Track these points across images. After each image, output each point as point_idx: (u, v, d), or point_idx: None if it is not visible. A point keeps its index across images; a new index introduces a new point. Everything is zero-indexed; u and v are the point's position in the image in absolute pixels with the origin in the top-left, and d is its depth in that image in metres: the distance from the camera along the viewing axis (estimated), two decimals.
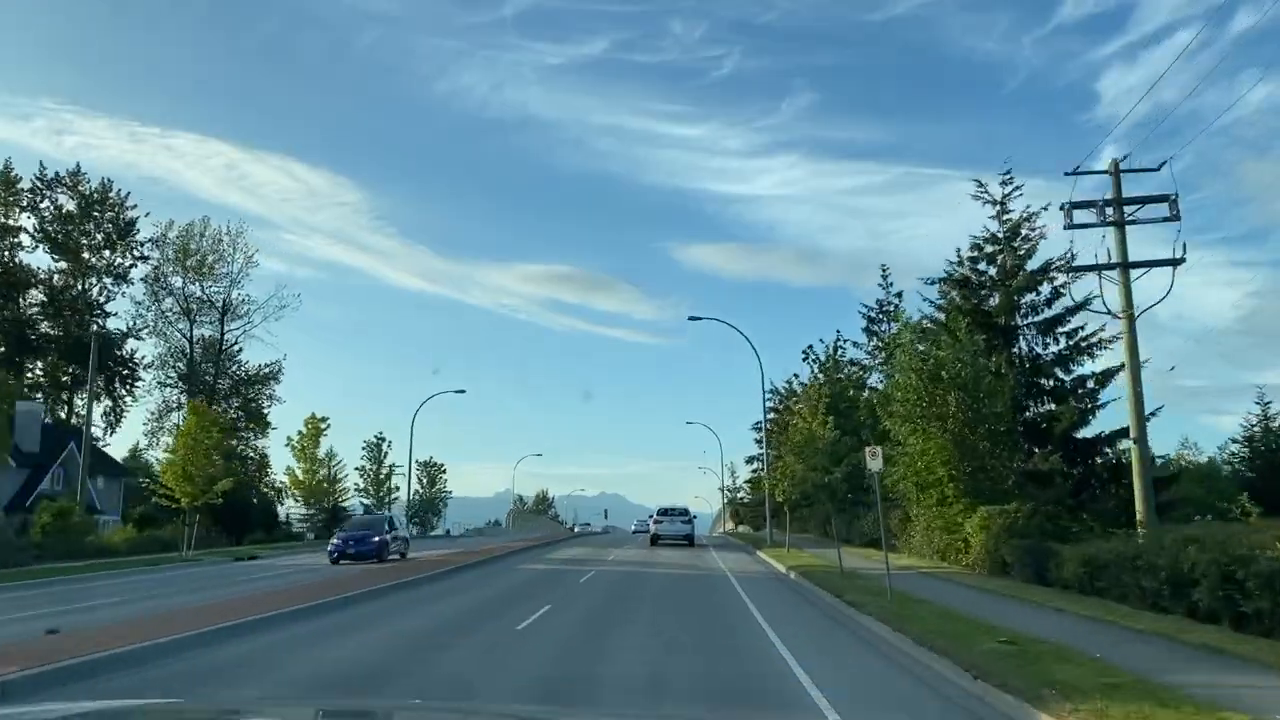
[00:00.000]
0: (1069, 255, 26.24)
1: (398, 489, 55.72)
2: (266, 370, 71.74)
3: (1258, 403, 36.66)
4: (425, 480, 60.90)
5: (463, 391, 58.55)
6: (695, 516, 48.05)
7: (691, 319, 38.26)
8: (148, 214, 69.29)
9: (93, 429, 48.41)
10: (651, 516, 45.65)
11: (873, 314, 43.05)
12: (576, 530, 72.43)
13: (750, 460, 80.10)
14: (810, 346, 51.39)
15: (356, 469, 53.55)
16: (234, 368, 72.34)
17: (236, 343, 72.57)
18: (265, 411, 71.00)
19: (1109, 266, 20.51)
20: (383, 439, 53.58)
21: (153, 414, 69.07)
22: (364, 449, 53.73)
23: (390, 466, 52.88)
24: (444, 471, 62.38)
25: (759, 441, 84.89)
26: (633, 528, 78.89)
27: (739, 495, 77.70)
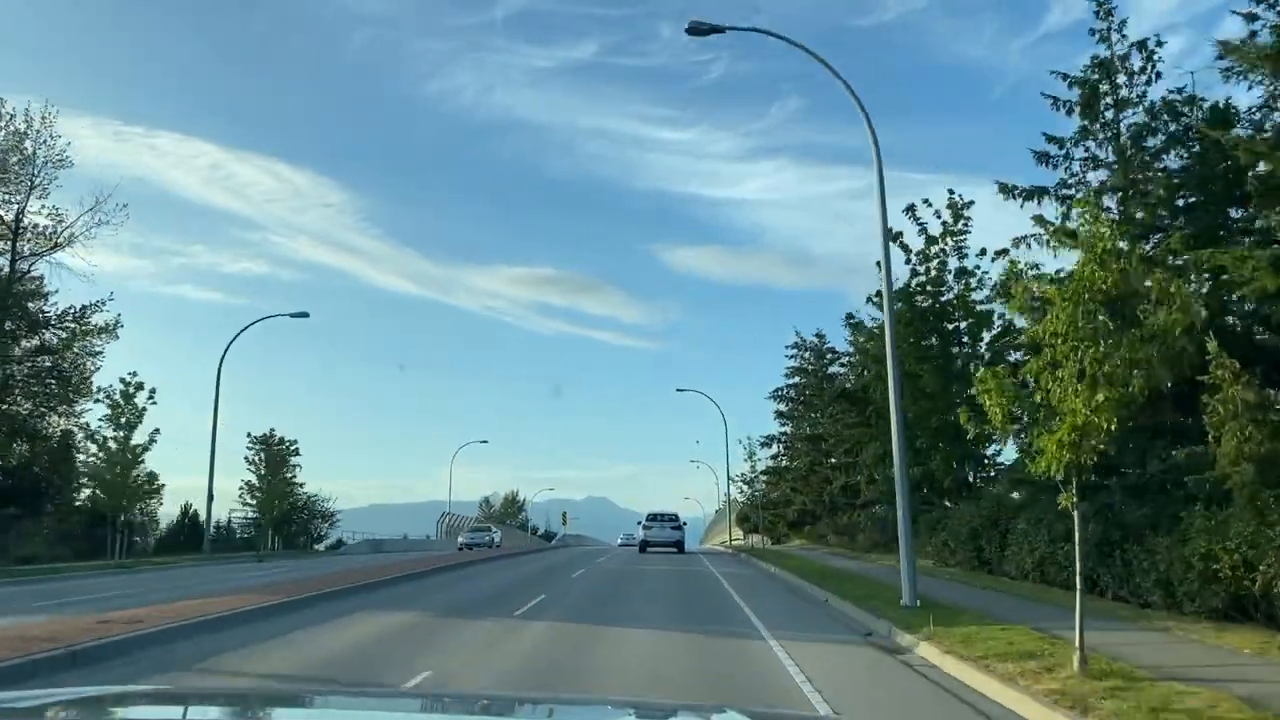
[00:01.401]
0: None
1: (153, 478, 32.46)
2: (79, 314, 48.67)
3: None
4: (262, 465, 38.12)
5: (305, 315, 36.01)
6: (686, 523, 43.08)
7: (692, 30, 14.10)
8: None
9: None
10: (641, 524, 42.05)
11: (1090, 76, 20.09)
12: (463, 544, 45.91)
13: (769, 441, 57.19)
14: (911, 208, 28.61)
15: (89, 437, 30.63)
16: (36, 310, 49.24)
17: (29, 271, 49.57)
18: (86, 373, 47.88)
19: None
20: (136, 384, 29.88)
21: None
22: (103, 400, 29.84)
23: (151, 436, 29.83)
24: (295, 453, 39.50)
25: (781, 415, 61.90)
26: (619, 541, 70.67)
27: (756, 492, 54.71)
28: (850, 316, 48.86)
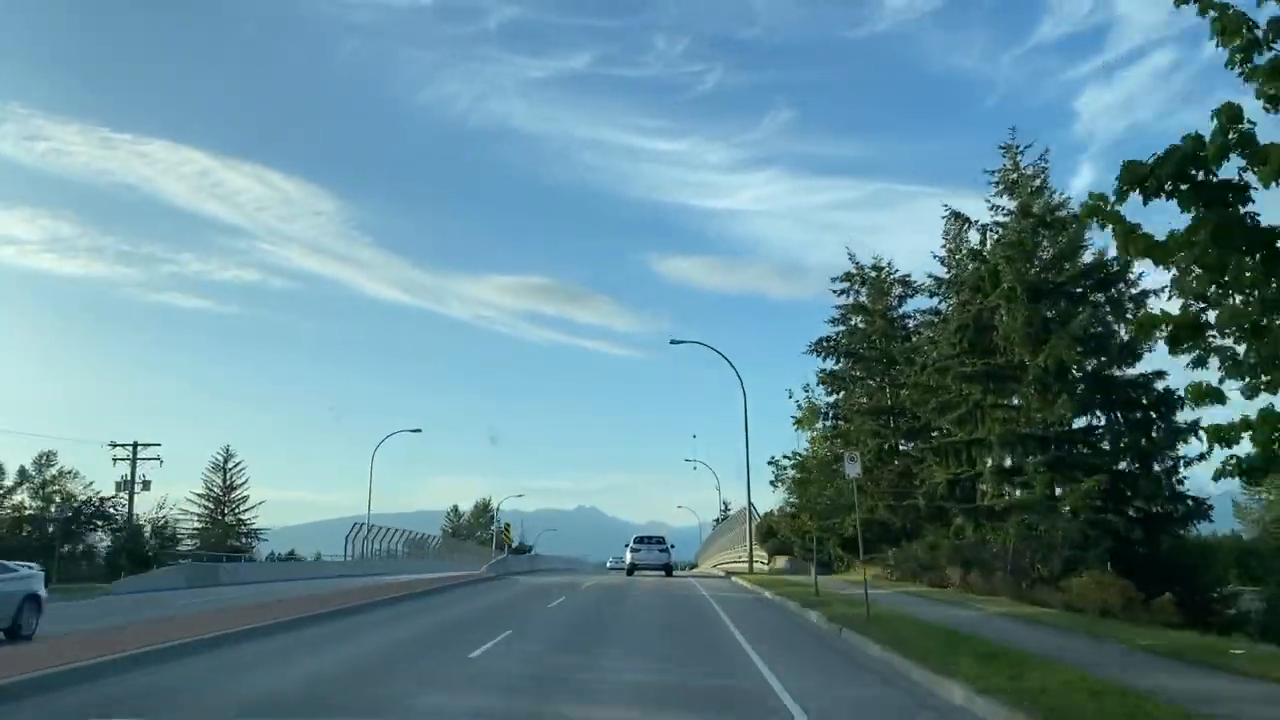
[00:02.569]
0: None
1: None
2: None
3: None
4: None
5: None
6: (673, 546, 40.36)
7: None
8: None
9: None
10: (629, 545, 40.15)
11: None
12: None
13: (825, 414, 37.62)
14: None
15: None
16: None
17: None
18: None
19: None
20: None
21: None
22: None
23: None
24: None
25: (829, 378, 41.26)
26: (609, 563, 70.00)
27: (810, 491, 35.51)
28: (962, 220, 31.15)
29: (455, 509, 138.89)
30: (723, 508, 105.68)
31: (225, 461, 74.75)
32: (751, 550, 36.40)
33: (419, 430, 56.23)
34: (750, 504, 37.59)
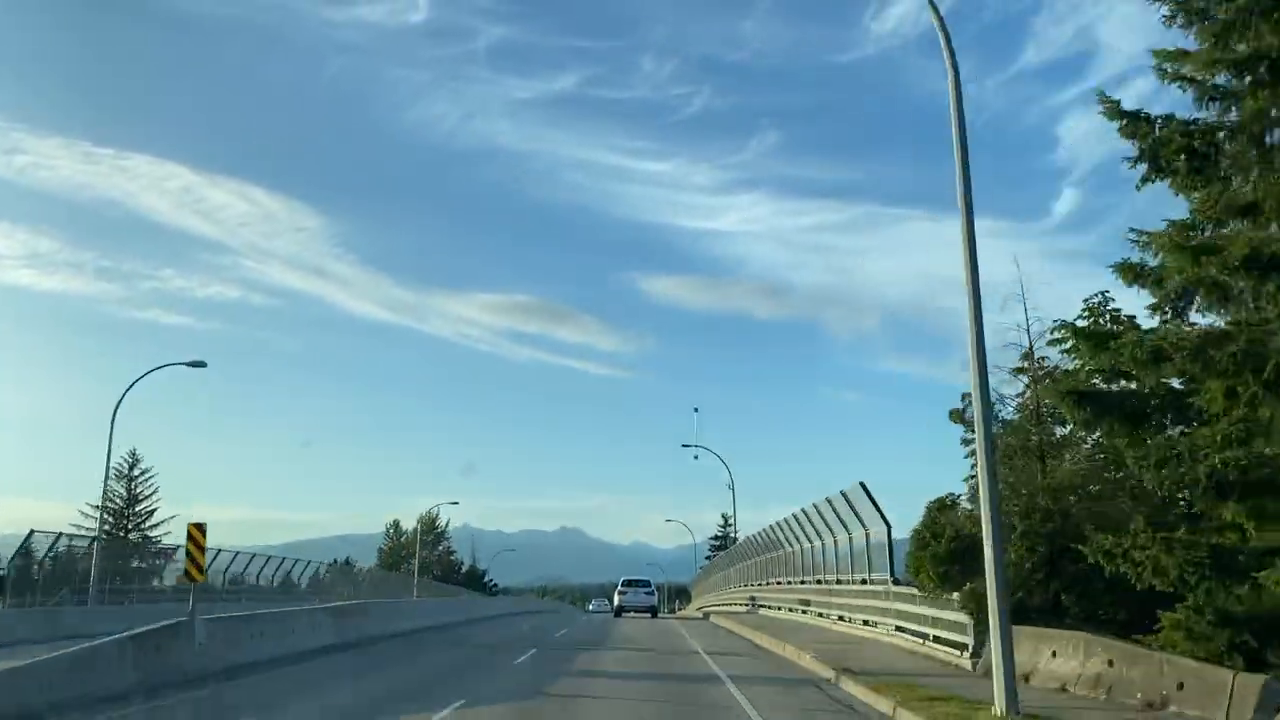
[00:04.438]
0: None
1: None
2: None
3: None
4: None
5: None
6: (654, 590, 45.51)
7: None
8: None
9: None
10: (618, 588, 44.05)
11: None
12: None
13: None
14: None
15: None
16: None
17: None
18: None
19: None
20: None
21: None
22: None
23: None
24: None
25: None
26: (591, 606, 72.39)
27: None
28: None
29: (396, 525, 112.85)
30: (723, 523, 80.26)
31: (130, 468, 61.15)
32: (886, 593, 16.18)
33: (204, 364, 33.78)
34: (992, 458, 17.19)
